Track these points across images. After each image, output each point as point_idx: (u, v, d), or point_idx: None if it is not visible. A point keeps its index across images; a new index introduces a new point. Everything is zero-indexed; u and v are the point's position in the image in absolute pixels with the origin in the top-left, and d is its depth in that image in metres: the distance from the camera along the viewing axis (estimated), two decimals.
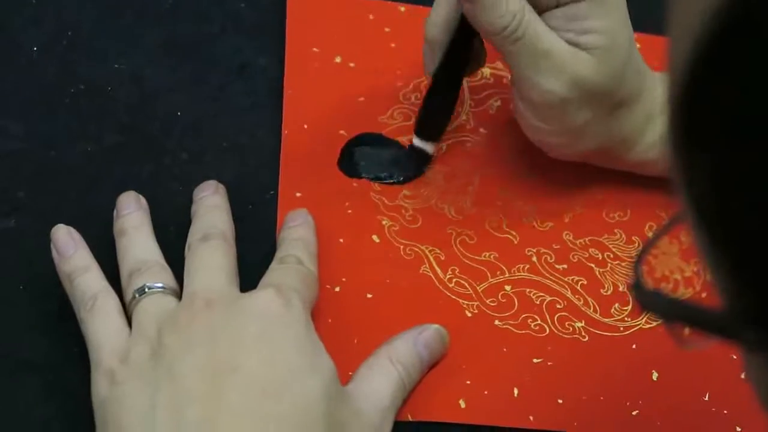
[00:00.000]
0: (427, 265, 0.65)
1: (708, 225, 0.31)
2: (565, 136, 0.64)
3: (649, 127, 0.66)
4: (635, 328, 0.64)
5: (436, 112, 0.68)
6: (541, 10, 0.61)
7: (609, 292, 0.66)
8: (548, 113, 0.63)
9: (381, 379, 0.58)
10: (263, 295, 0.56)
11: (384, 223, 0.67)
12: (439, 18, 0.64)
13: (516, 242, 0.67)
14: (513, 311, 0.64)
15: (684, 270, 0.65)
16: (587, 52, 0.61)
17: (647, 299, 0.37)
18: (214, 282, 0.57)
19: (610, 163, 0.68)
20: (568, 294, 0.65)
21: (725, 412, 0.61)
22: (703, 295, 0.64)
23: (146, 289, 0.57)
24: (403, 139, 0.70)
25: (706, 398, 0.62)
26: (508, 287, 0.65)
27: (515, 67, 0.62)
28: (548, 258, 0.67)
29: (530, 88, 0.62)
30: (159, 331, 0.55)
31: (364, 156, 0.69)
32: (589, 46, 0.61)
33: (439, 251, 0.66)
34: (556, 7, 0.61)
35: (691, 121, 0.30)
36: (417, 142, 0.68)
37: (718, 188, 0.30)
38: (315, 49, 0.73)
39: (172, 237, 0.62)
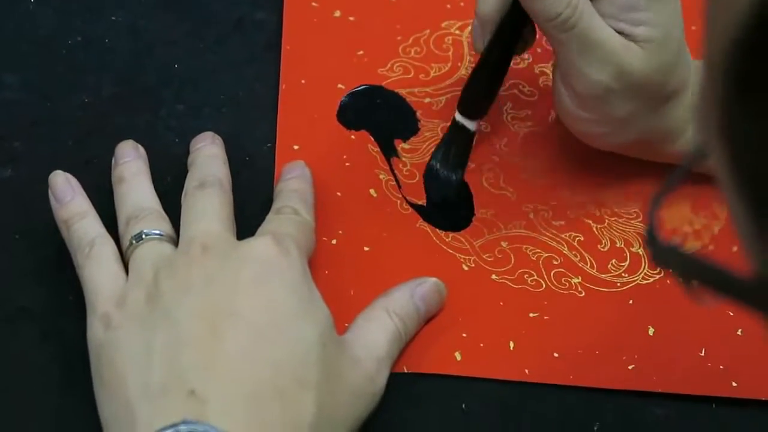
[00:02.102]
0: (424, 220, 0.65)
1: (751, 188, 0.30)
2: (606, 126, 0.62)
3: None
4: (632, 284, 0.64)
5: (481, 89, 0.65)
6: None
7: (606, 248, 0.65)
8: (592, 103, 0.61)
9: (378, 330, 0.58)
10: (260, 242, 0.56)
11: (381, 177, 0.66)
12: None
13: (513, 199, 0.67)
14: (510, 266, 0.64)
15: (694, 222, 0.65)
16: (639, 45, 0.59)
17: (662, 255, 0.36)
18: (211, 228, 0.57)
19: (650, 155, 0.66)
20: (565, 250, 0.65)
21: (721, 367, 0.61)
22: (710, 248, 0.63)
23: (144, 236, 0.57)
24: (403, 92, 0.70)
25: (702, 353, 0.62)
26: (504, 243, 0.65)
27: (563, 55, 0.60)
28: (545, 214, 0.66)
29: (576, 77, 0.60)
30: (156, 276, 0.55)
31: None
32: (642, 38, 0.59)
33: None
34: None
35: (751, 64, 0.28)
36: (459, 117, 0.66)
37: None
38: (314, 3, 0.73)
39: (169, 187, 0.63)
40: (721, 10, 0.30)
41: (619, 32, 0.59)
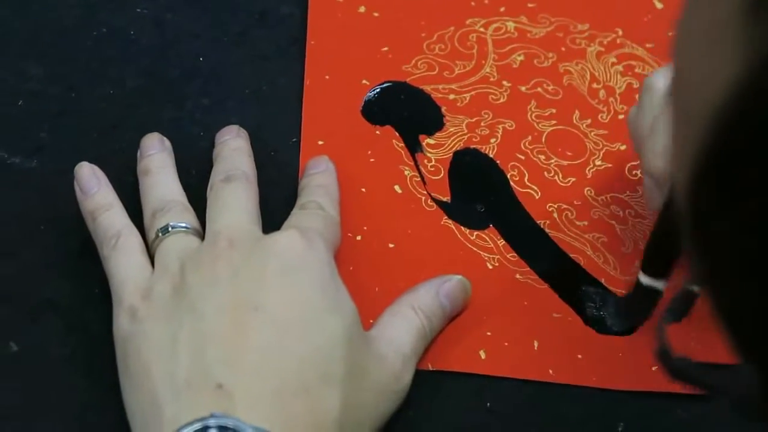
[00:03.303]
0: (448, 218, 0.65)
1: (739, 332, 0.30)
2: None
3: None
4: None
5: (665, 249, 0.60)
6: None
7: (629, 250, 0.65)
8: None
9: (403, 326, 0.58)
10: (286, 236, 0.56)
11: (406, 173, 0.66)
12: (661, 148, 0.58)
13: (537, 197, 0.67)
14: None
15: None
16: None
17: (675, 367, 0.36)
18: (237, 222, 0.57)
19: None
20: (588, 251, 0.65)
21: None
22: None
23: (170, 228, 0.57)
24: (427, 88, 0.70)
25: None
26: None
27: None
28: (569, 214, 0.66)
29: None
30: (182, 269, 0.55)
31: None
32: None
33: None
34: None
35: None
36: (645, 280, 0.60)
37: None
38: None
39: (193, 180, 0.62)
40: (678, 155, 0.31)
41: None
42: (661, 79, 0.59)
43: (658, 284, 0.60)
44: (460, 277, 0.61)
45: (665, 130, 0.58)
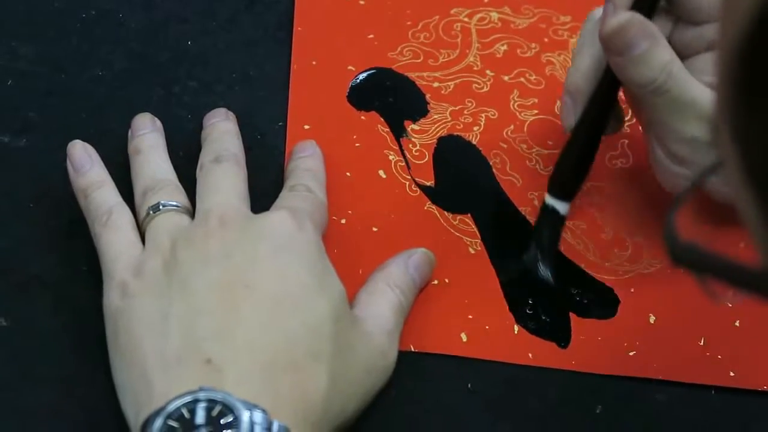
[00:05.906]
0: (432, 202, 0.66)
1: (761, 188, 0.31)
2: None
3: None
4: (633, 273, 0.65)
5: (573, 169, 0.63)
6: (688, 55, 0.59)
7: (609, 237, 0.66)
8: (690, 159, 0.59)
9: (383, 304, 0.59)
10: (277, 216, 0.57)
11: (391, 158, 0.67)
12: (583, 66, 0.61)
13: (519, 185, 0.68)
14: None
15: None
16: None
17: (681, 252, 0.36)
18: (228, 201, 0.58)
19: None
20: (568, 238, 0.66)
21: (719, 357, 0.62)
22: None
23: (161, 207, 0.58)
24: (412, 75, 0.71)
25: (701, 343, 0.62)
26: None
27: (657, 116, 0.59)
28: None
29: (673, 137, 0.59)
30: (173, 246, 0.56)
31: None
32: None
33: None
34: (706, 50, 0.59)
35: (751, 70, 0.29)
36: (549, 200, 0.63)
37: None
38: None
39: (181, 162, 0.63)
40: (727, 24, 0.31)
41: (710, 87, 0.58)
42: (599, 13, 0.60)
43: (561, 206, 0.63)
44: (424, 249, 0.62)
45: (588, 51, 0.60)
